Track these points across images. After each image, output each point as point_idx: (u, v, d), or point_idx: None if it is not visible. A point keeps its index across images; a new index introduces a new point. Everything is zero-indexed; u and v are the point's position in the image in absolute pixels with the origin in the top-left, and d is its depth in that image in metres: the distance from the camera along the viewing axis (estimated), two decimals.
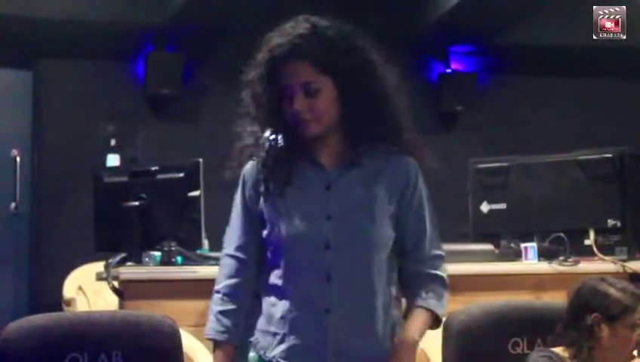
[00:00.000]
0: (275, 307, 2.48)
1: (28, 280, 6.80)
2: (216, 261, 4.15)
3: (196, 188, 4.19)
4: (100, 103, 6.98)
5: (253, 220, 2.52)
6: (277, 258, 2.48)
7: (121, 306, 4.01)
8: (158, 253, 4.08)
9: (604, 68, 7.68)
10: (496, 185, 4.69)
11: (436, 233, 2.56)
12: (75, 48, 6.87)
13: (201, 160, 4.22)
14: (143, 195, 4.22)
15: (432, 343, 3.20)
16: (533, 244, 4.44)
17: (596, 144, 4.73)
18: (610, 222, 4.42)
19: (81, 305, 5.76)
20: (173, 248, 4.08)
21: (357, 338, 2.43)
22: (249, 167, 2.55)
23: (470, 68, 7.81)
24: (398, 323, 2.50)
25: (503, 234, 4.57)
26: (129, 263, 4.14)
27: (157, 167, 4.33)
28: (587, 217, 4.48)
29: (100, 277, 4.21)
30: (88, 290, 5.78)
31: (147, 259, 4.09)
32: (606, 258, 4.36)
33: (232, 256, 2.55)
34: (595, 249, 4.39)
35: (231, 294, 2.53)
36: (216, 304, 2.54)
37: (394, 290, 2.52)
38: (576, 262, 4.31)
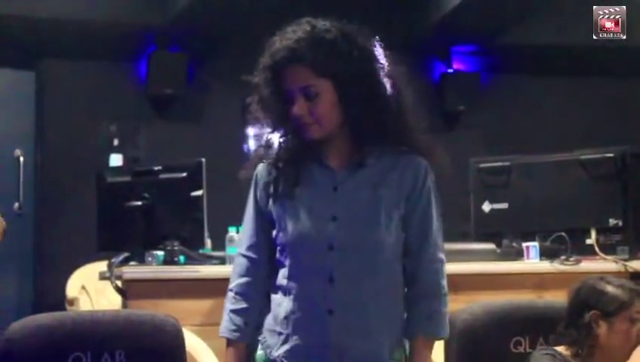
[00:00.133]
0: (280, 307, 2.49)
1: (31, 279, 6.81)
2: (218, 260, 4.18)
3: (199, 187, 4.20)
4: (102, 103, 6.99)
5: (264, 220, 2.55)
6: (284, 258, 2.50)
7: (124, 305, 4.03)
8: (160, 253, 4.10)
9: (606, 68, 7.68)
10: (498, 184, 4.69)
11: (440, 237, 2.54)
12: (77, 48, 6.87)
13: (203, 160, 4.23)
14: (146, 195, 4.23)
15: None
16: (535, 244, 4.45)
17: (598, 144, 4.73)
18: (612, 221, 4.43)
19: (85, 305, 5.77)
20: (175, 248, 4.09)
21: (359, 339, 2.43)
22: (261, 168, 2.57)
23: (472, 68, 7.81)
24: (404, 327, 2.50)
25: (504, 234, 4.58)
26: (132, 263, 4.16)
27: (160, 167, 4.34)
28: (589, 216, 4.49)
29: (103, 277, 4.22)
30: (91, 290, 5.79)
31: (150, 259, 4.10)
32: (608, 257, 4.36)
33: (244, 256, 2.57)
34: (596, 248, 4.40)
35: (243, 293, 2.54)
36: (229, 302, 2.56)
37: (403, 292, 2.51)
38: (578, 262, 4.32)
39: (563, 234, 4.44)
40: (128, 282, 4.02)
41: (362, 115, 2.43)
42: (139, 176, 4.40)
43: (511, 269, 4.36)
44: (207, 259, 4.19)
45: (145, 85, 7.10)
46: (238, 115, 7.07)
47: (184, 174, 4.24)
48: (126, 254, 4.16)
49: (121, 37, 6.79)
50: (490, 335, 3.19)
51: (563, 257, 4.34)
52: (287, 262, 2.48)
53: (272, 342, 2.50)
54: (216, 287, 3.91)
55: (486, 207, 4.69)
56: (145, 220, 4.21)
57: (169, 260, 4.08)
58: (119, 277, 4.04)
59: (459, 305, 3.24)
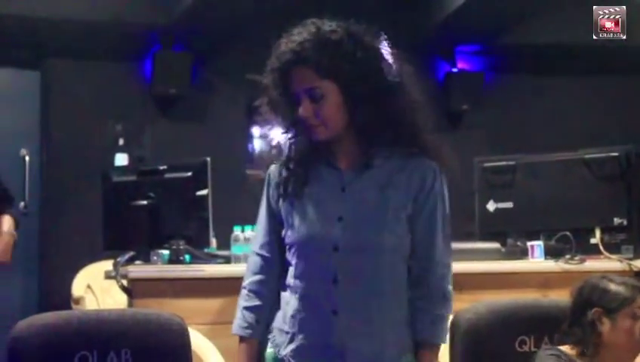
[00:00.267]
0: (288, 305, 2.51)
1: (37, 278, 6.81)
2: (223, 259, 4.19)
3: (204, 187, 4.21)
4: (107, 103, 6.99)
5: (275, 220, 2.56)
6: (291, 257, 2.51)
7: (130, 304, 4.03)
8: (166, 252, 4.10)
9: (611, 67, 7.67)
10: (503, 183, 4.70)
11: (448, 241, 2.53)
12: (82, 48, 6.88)
13: (208, 159, 4.24)
14: (151, 194, 4.24)
15: None
16: (540, 243, 4.45)
17: (602, 143, 4.73)
18: (617, 220, 4.43)
19: (90, 304, 5.78)
20: (181, 247, 4.10)
21: (362, 340, 2.44)
22: (273, 168, 2.59)
23: (476, 67, 7.81)
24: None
25: (509, 233, 4.59)
26: (137, 262, 4.16)
27: (165, 166, 4.34)
28: (593, 216, 4.49)
29: (108, 276, 4.23)
30: (97, 289, 5.81)
31: (155, 258, 4.10)
32: (612, 256, 4.37)
33: (257, 254, 2.59)
34: (601, 247, 4.41)
35: (255, 290, 2.57)
36: (242, 299, 2.59)
37: (408, 294, 2.51)
38: (583, 261, 4.32)
39: (567, 233, 4.44)
40: (134, 281, 4.02)
41: (368, 116, 2.43)
42: (144, 175, 4.40)
43: (515, 268, 4.36)
44: (212, 258, 4.20)
45: (149, 85, 7.10)
46: (243, 114, 7.14)
47: (189, 173, 4.25)
48: (131, 253, 4.16)
49: (126, 36, 6.80)
50: (495, 334, 3.19)
51: (568, 256, 4.35)
52: (294, 262, 2.50)
53: (280, 340, 2.51)
54: (221, 286, 3.94)
55: (490, 206, 4.69)
56: (150, 219, 4.22)
57: (174, 259, 4.09)
58: (125, 276, 4.05)
59: (463, 304, 3.24)
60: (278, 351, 2.51)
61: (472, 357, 3.16)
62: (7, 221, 4.44)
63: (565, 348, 2.98)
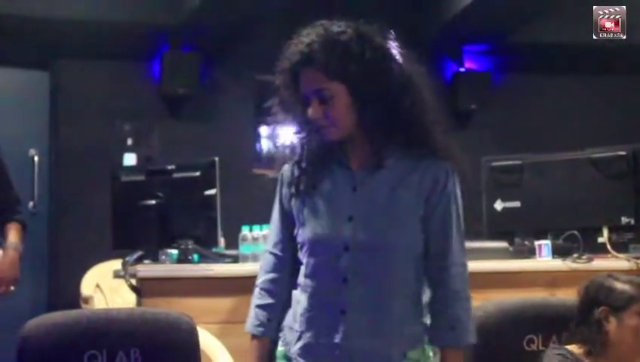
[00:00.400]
0: (298, 304, 2.52)
1: (46, 278, 6.83)
2: (232, 259, 4.20)
3: (212, 186, 4.22)
4: (116, 103, 7.01)
5: (288, 219, 2.57)
6: (303, 256, 2.52)
7: (139, 303, 4.04)
8: (174, 251, 4.12)
9: (618, 66, 7.67)
10: (510, 183, 4.69)
11: (462, 241, 2.53)
12: (91, 48, 6.89)
13: (217, 158, 4.25)
14: (160, 194, 4.25)
15: None
16: (547, 242, 4.45)
17: (610, 142, 4.73)
18: (624, 219, 4.43)
19: (99, 303, 5.80)
20: (189, 246, 4.11)
21: (370, 340, 2.44)
22: (286, 168, 2.60)
23: (484, 67, 7.80)
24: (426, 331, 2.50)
25: (517, 232, 4.59)
26: (146, 261, 4.18)
27: (173, 166, 4.35)
28: (601, 215, 4.49)
29: (117, 275, 4.24)
30: (106, 288, 5.83)
31: (164, 257, 4.12)
32: (620, 255, 4.36)
33: (270, 253, 2.61)
34: (608, 246, 4.40)
35: (268, 289, 2.59)
36: (255, 298, 2.61)
37: (422, 295, 2.51)
38: (590, 260, 4.32)
39: (575, 232, 4.44)
40: (142, 280, 4.04)
41: (377, 116, 2.43)
42: (153, 175, 4.41)
43: (523, 267, 4.37)
44: (220, 258, 4.21)
45: (158, 85, 7.11)
46: (251, 113, 7.15)
47: (197, 173, 4.26)
48: (140, 252, 4.17)
49: (135, 37, 6.81)
50: (503, 333, 3.19)
51: (575, 255, 4.35)
52: (305, 260, 2.51)
53: (290, 338, 2.52)
54: (229, 285, 3.96)
55: (498, 205, 4.69)
56: (159, 219, 4.23)
57: (183, 258, 4.10)
58: (133, 276, 4.06)
59: (472, 303, 3.24)
60: (289, 349, 2.52)
61: (480, 355, 3.15)
62: (14, 232, 4.22)
63: (572, 348, 2.99)
